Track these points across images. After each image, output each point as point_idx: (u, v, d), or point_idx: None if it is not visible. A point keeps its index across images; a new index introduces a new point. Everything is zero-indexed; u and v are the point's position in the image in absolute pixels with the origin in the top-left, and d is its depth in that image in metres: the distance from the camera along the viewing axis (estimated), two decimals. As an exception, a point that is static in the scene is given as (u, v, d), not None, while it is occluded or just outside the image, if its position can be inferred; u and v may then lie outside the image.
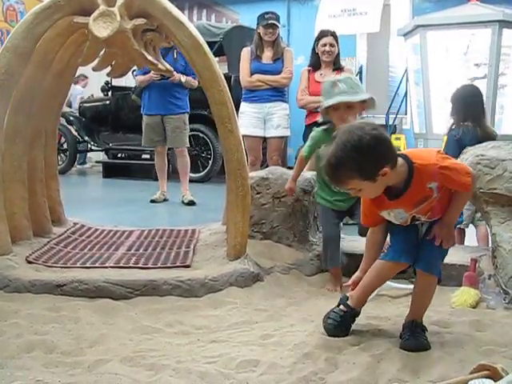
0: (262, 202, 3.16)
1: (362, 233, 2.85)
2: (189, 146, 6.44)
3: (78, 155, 10.05)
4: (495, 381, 1.51)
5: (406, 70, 8.94)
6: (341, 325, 2.12)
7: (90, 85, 10.98)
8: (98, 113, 9.31)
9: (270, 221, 3.16)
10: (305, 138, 4.82)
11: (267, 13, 5.20)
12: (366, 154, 1.86)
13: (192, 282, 2.63)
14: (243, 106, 5.18)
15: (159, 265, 2.87)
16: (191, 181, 7.93)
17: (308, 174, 3.26)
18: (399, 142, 8.39)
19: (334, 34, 4.90)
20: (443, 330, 2.16)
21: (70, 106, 10.50)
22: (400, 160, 1.95)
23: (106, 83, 9.17)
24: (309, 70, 5.00)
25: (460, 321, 2.26)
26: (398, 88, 9.53)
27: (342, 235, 3.04)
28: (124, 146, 9.03)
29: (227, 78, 4.92)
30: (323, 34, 4.93)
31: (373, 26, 9.18)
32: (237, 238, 2.85)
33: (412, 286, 2.20)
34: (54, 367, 1.88)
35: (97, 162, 9.78)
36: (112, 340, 2.11)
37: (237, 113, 3.07)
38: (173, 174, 6.93)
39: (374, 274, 2.13)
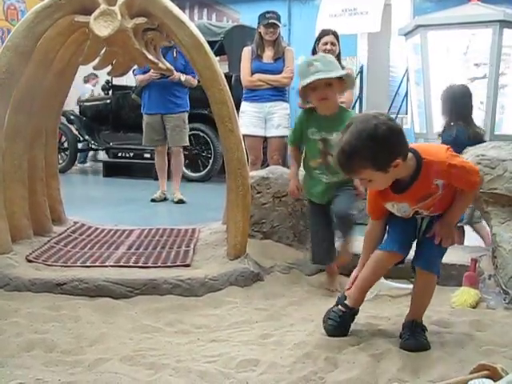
0: (263, 201, 3.16)
1: (314, 260, 2.86)
2: (189, 145, 6.44)
3: (78, 154, 10.06)
4: (495, 381, 1.51)
5: (407, 70, 8.94)
6: (340, 325, 2.11)
7: (81, 82, 10.98)
8: (99, 112, 9.32)
9: (270, 220, 3.16)
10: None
11: (268, 12, 5.20)
12: (381, 143, 1.83)
13: (192, 282, 2.63)
14: (244, 105, 5.18)
15: (159, 264, 2.87)
16: (192, 180, 7.97)
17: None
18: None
19: (335, 33, 4.89)
20: (443, 329, 2.16)
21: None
22: (409, 154, 1.93)
23: (107, 82, 9.17)
24: None
25: (460, 321, 2.26)
26: (399, 88, 9.53)
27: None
28: (124, 145, 9.03)
29: (228, 77, 4.93)
30: (324, 32, 4.92)
31: (373, 25, 9.18)
32: (237, 237, 2.85)
33: (412, 286, 2.20)
34: (53, 366, 1.88)
35: (97, 160, 9.78)
36: (112, 339, 2.11)
37: (237, 112, 3.07)
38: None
39: (369, 267, 2.12)
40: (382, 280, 2.59)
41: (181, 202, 6.00)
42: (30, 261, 2.84)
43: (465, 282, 2.63)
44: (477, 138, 3.50)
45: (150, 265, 2.86)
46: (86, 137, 9.42)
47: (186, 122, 6.13)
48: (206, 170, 8.13)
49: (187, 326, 2.28)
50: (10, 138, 2.94)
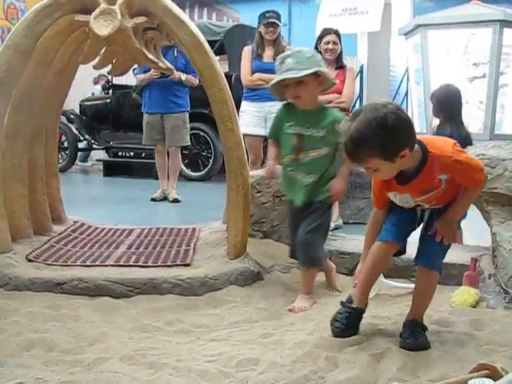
0: (263, 200, 3.16)
1: (292, 254, 2.78)
2: (189, 144, 6.44)
3: (79, 153, 10.04)
4: (495, 380, 1.51)
5: (407, 70, 8.95)
6: (348, 327, 2.09)
7: (91, 83, 10.98)
8: (99, 111, 9.31)
9: (270, 219, 3.16)
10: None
11: (268, 11, 5.19)
12: (390, 133, 1.81)
13: (192, 281, 2.63)
14: (244, 104, 5.17)
15: (159, 263, 2.87)
16: (192, 179, 7.97)
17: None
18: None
19: (337, 32, 4.87)
20: (443, 329, 2.16)
21: None
22: (415, 146, 1.92)
23: (107, 81, 9.17)
24: None
25: (460, 320, 2.25)
26: (399, 87, 9.54)
27: (342, 234, 3.03)
28: (125, 144, 9.03)
29: (228, 76, 4.91)
30: (326, 31, 4.91)
31: (374, 25, 9.19)
32: (237, 236, 2.85)
33: (412, 285, 2.20)
34: (53, 365, 1.88)
35: (97, 160, 9.77)
36: (112, 338, 2.11)
37: (237, 111, 3.07)
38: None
39: (368, 262, 2.12)
40: (382, 279, 2.60)
41: (176, 201, 6.01)
42: (29, 260, 2.84)
43: (465, 282, 2.63)
44: (468, 139, 3.55)
45: (150, 264, 2.86)
46: (86, 136, 9.42)
47: (187, 121, 6.13)
48: (206, 170, 8.13)
49: (187, 326, 2.28)
50: (10, 137, 2.93)
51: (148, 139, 6.14)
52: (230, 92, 2.90)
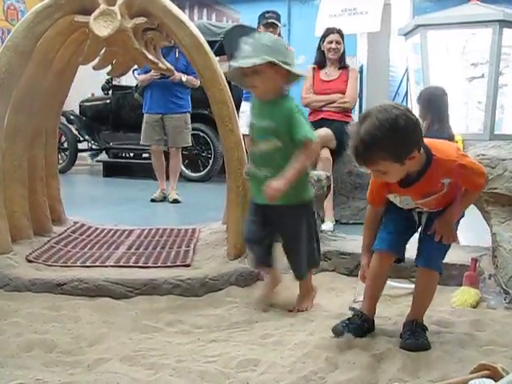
0: (263, 201, 3.15)
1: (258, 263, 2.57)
2: (190, 144, 6.44)
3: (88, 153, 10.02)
4: (495, 381, 1.51)
5: (407, 70, 8.96)
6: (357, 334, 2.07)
7: (90, 83, 10.96)
8: (99, 112, 9.30)
9: (270, 220, 3.15)
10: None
11: (268, 12, 5.21)
12: (402, 134, 1.80)
13: (192, 282, 2.63)
14: (244, 105, 5.18)
15: (159, 264, 2.87)
16: (192, 180, 7.96)
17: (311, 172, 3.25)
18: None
19: (340, 32, 4.87)
20: (443, 329, 2.16)
21: None
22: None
23: (107, 82, 9.16)
24: (314, 68, 4.97)
25: (460, 320, 2.26)
26: (399, 87, 9.54)
27: (343, 234, 3.02)
28: (125, 145, 9.03)
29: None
30: (329, 31, 4.91)
31: (373, 25, 9.18)
32: (237, 237, 2.85)
33: (412, 286, 2.20)
34: (53, 366, 1.88)
35: (97, 160, 9.77)
36: (112, 339, 2.11)
37: (237, 112, 3.07)
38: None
39: (369, 273, 2.13)
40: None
41: (176, 201, 6.01)
42: (30, 261, 2.84)
43: (465, 282, 2.63)
44: (452, 140, 3.62)
45: (150, 265, 2.86)
46: (86, 137, 9.41)
47: (188, 122, 6.13)
48: (206, 170, 8.13)
49: (187, 326, 2.28)
50: (10, 138, 2.94)
51: (147, 139, 6.13)
52: (229, 93, 2.90)
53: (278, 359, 1.90)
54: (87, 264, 2.87)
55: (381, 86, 10.01)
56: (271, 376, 1.78)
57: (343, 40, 4.88)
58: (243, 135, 3.03)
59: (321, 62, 4.93)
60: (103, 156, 9.65)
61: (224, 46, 8.15)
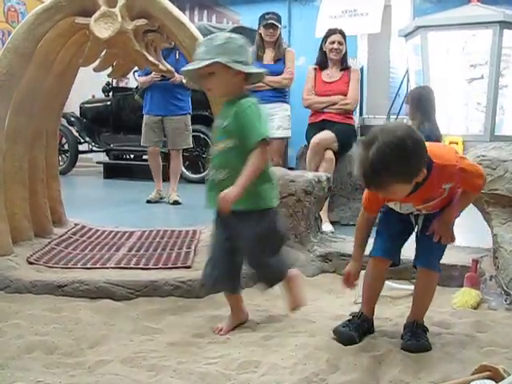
0: (263, 202, 3.15)
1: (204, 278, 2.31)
2: (191, 146, 6.44)
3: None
4: (497, 382, 1.51)
5: (407, 71, 8.95)
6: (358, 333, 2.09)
7: (91, 85, 10.97)
8: (99, 114, 9.31)
9: (270, 221, 3.15)
10: (308, 137, 4.81)
11: (268, 13, 5.21)
12: (411, 158, 1.78)
13: (193, 283, 2.63)
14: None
15: (160, 265, 2.87)
16: (192, 181, 7.96)
17: (310, 174, 3.26)
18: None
19: (342, 32, 4.87)
20: (444, 330, 2.16)
21: None
22: None
23: (107, 84, 9.17)
24: (315, 69, 4.97)
25: (461, 322, 2.25)
26: (399, 89, 9.53)
27: (343, 236, 3.01)
28: (125, 146, 9.03)
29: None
30: (331, 31, 4.90)
31: (374, 26, 9.17)
32: (238, 238, 2.85)
33: (412, 287, 2.20)
34: (54, 368, 1.88)
35: (97, 162, 9.77)
36: (113, 341, 2.11)
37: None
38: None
39: (365, 278, 2.17)
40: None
41: (176, 203, 6.01)
42: (30, 263, 2.84)
43: (466, 283, 2.63)
44: (439, 140, 3.65)
45: (150, 266, 2.86)
46: (87, 138, 9.42)
47: (188, 124, 6.13)
48: (207, 172, 8.13)
49: (188, 328, 2.27)
50: (11, 140, 2.94)
51: (147, 141, 6.13)
52: (230, 94, 2.89)
53: (279, 361, 1.90)
54: (88, 266, 2.87)
55: (381, 87, 10.00)
56: (272, 378, 1.78)
57: (345, 41, 4.88)
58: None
59: (322, 63, 4.93)
60: (104, 158, 9.65)
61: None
